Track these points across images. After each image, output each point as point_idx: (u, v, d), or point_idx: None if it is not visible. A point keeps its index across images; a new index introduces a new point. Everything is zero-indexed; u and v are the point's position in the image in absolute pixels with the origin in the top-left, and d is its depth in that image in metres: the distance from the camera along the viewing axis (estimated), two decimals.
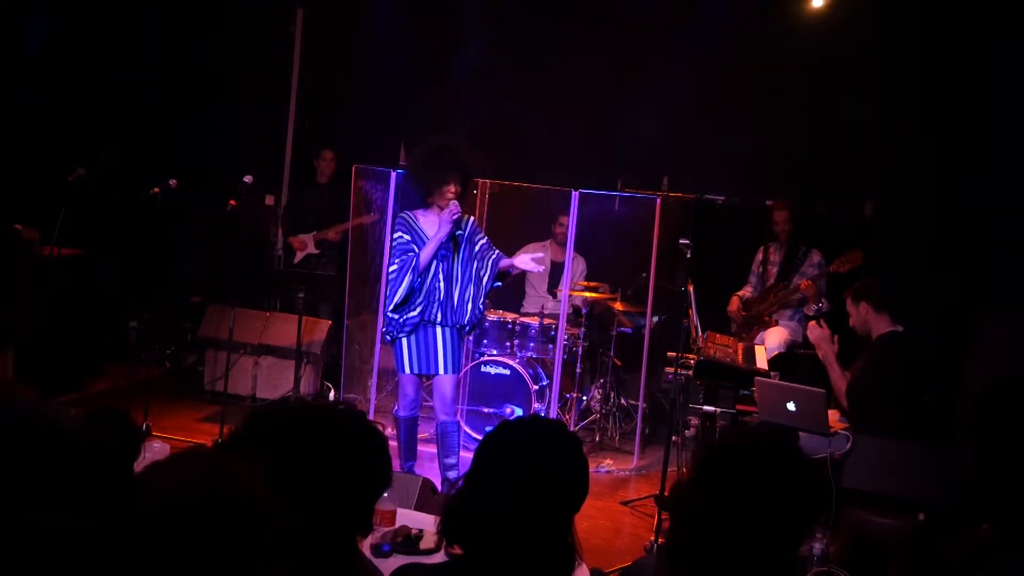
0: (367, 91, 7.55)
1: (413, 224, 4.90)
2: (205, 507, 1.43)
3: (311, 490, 1.72)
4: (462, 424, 6.09)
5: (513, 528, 1.76)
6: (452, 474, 4.96)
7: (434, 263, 4.87)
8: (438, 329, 4.89)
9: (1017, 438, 1.79)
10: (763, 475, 1.62)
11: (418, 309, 4.86)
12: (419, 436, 5.22)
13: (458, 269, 4.93)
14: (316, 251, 7.21)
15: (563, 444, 1.86)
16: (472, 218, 5.09)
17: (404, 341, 4.90)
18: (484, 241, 5.02)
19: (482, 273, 4.95)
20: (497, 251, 5.02)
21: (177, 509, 1.43)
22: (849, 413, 4.62)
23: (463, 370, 6.12)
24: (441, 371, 4.89)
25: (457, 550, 1.84)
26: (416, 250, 4.83)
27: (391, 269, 4.91)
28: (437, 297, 4.88)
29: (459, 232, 4.91)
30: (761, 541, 1.58)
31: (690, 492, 1.66)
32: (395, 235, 4.93)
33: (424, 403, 5.33)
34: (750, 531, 1.58)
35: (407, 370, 4.93)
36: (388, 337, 4.99)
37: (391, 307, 4.88)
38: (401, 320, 4.87)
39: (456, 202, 4.80)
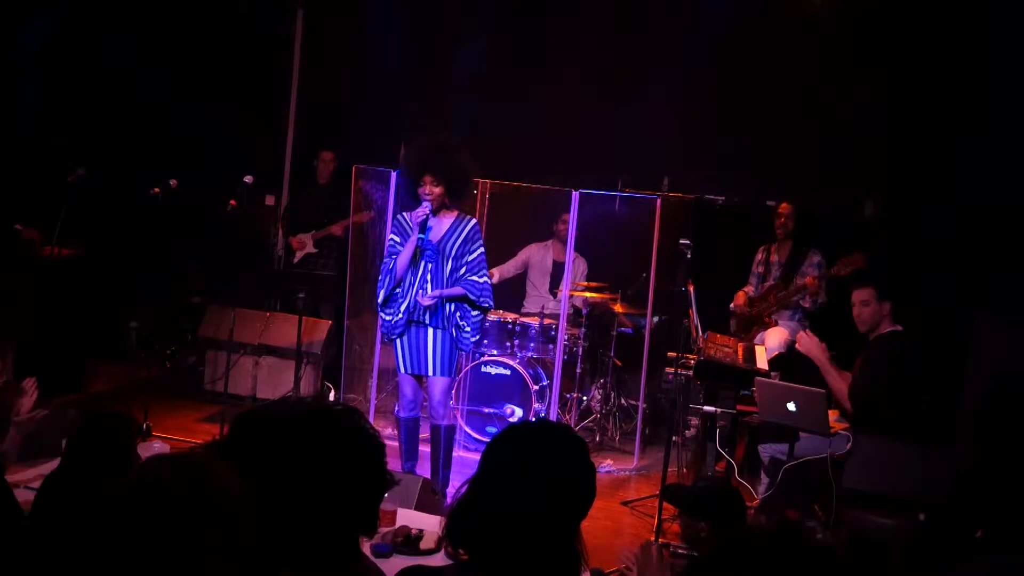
0: (367, 91, 7.55)
1: (406, 225, 4.86)
2: (172, 502, 1.45)
3: (307, 491, 1.71)
4: (462, 425, 6.11)
5: (519, 533, 1.74)
6: (438, 483, 4.86)
7: (423, 264, 4.79)
8: (429, 330, 4.84)
9: (1021, 437, 1.79)
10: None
11: (403, 310, 4.82)
12: (420, 436, 5.21)
13: (444, 272, 4.81)
14: (315, 250, 7.20)
15: (570, 448, 1.85)
16: (473, 224, 4.87)
17: (398, 341, 4.89)
18: (473, 258, 4.80)
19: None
20: (473, 279, 4.79)
21: (143, 504, 1.45)
22: (852, 414, 4.61)
23: (462, 371, 6.12)
24: (430, 372, 4.86)
25: (462, 555, 1.83)
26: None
27: (381, 270, 4.95)
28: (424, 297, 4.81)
29: (420, 236, 4.68)
30: None
31: None
32: (388, 236, 4.93)
33: (424, 403, 5.34)
34: None
35: (401, 369, 4.94)
36: (386, 338, 5.00)
37: (379, 307, 4.91)
38: (392, 321, 4.86)
39: (427, 203, 4.68)
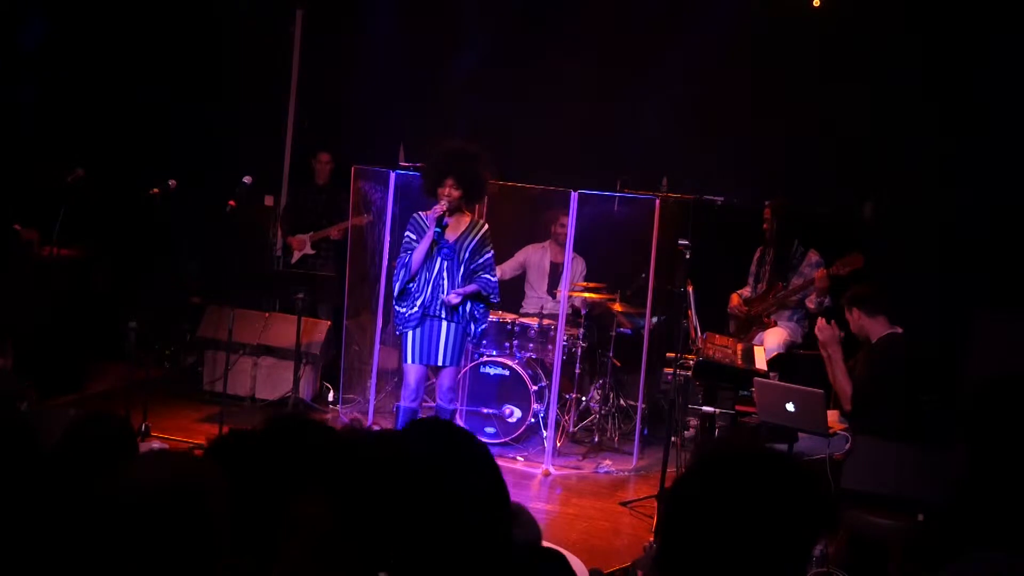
0: (367, 91, 7.54)
1: (422, 223, 5.17)
2: (160, 501, 1.46)
3: (376, 530, 1.58)
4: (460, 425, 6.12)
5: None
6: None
7: (439, 260, 5.14)
8: (443, 324, 5.16)
9: (1011, 437, 1.79)
10: (762, 486, 1.50)
11: (418, 304, 5.14)
12: None
13: (458, 270, 5.16)
14: (312, 251, 7.19)
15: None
16: (486, 229, 5.26)
17: (410, 333, 5.17)
18: (485, 259, 5.20)
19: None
20: (486, 276, 5.21)
21: (134, 501, 1.46)
22: (850, 415, 4.60)
23: (463, 369, 6.12)
24: (440, 362, 5.17)
25: None
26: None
27: (397, 265, 5.27)
28: (441, 293, 5.15)
29: (436, 230, 5.08)
30: (759, 555, 1.48)
31: (685, 499, 1.56)
32: (405, 233, 5.24)
33: (424, 403, 5.37)
34: (745, 543, 1.48)
35: (409, 359, 5.19)
36: (398, 331, 5.27)
37: (395, 300, 5.24)
38: (407, 314, 5.17)
39: (444, 202, 5.04)
